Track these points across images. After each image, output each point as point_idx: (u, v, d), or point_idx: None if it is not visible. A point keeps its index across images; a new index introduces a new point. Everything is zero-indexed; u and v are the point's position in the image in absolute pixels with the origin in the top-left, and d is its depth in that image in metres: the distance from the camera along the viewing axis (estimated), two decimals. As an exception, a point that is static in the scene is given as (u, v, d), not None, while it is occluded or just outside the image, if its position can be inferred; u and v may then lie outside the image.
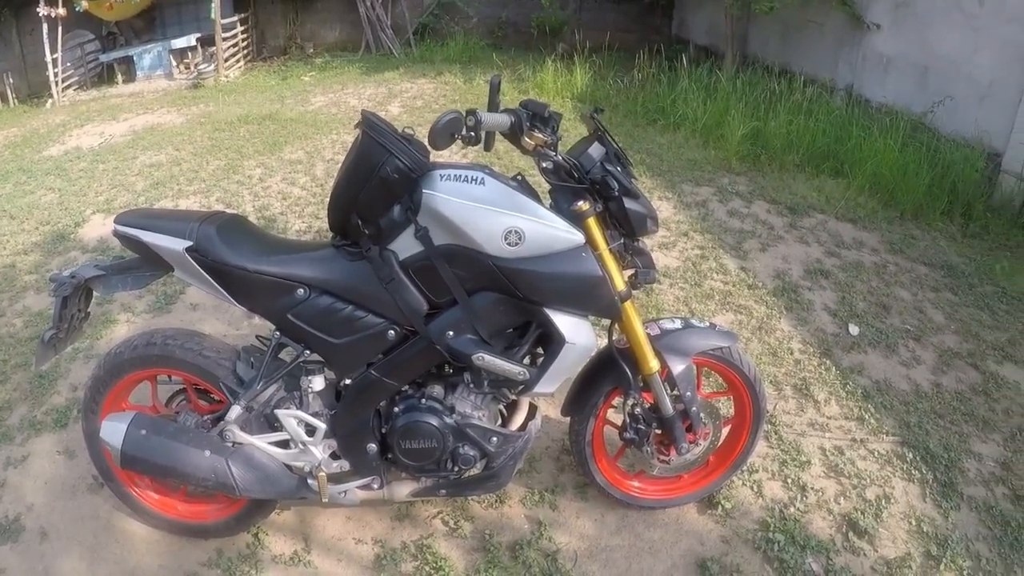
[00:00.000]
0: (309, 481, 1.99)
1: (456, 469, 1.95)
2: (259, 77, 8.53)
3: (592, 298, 1.83)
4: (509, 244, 1.74)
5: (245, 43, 9.17)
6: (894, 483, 2.49)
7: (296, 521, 2.27)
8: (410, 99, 7.15)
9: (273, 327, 1.90)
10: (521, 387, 1.90)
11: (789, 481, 2.44)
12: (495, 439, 1.94)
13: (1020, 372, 3.19)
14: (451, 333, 1.82)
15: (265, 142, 5.68)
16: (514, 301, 1.81)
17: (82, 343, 3.16)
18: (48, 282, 1.91)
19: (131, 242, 1.85)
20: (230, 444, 1.92)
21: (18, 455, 2.58)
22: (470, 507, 2.30)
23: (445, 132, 1.65)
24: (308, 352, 1.90)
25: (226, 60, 8.55)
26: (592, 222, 1.80)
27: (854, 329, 3.38)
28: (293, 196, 4.65)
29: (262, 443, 1.95)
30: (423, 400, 1.93)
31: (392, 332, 1.85)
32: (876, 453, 2.61)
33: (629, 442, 2.06)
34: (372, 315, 1.84)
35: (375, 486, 2.02)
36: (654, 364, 1.94)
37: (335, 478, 2.00)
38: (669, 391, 2.00)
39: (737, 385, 2.12)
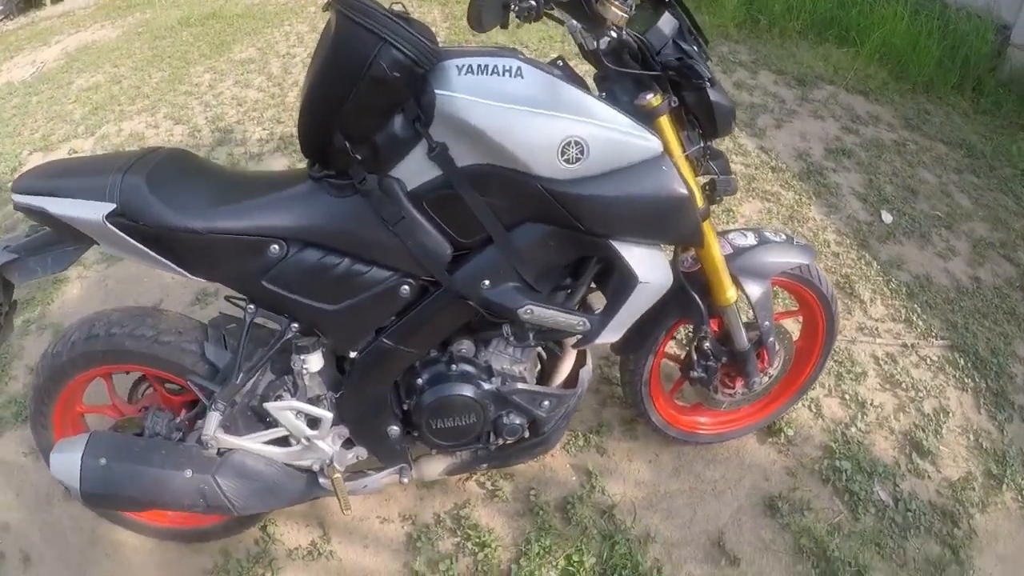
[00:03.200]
0: (321, 480, 1.66)
1: (500, 441, 1.65)
2: (194, -27, 7.61)
3: (673, 222, 1.43)
4: (566, 160, 1.30)
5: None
6: (948, 393, 2.35)
7: (307, 506, 1.94)
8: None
9: (245, 299, 1.49)
10: (579, 338, 1.54)
11: (847, 397, 2.26)
12: (546, 403, 1.61)
13: (1052, 264, 3.05)
14: (487, 282, 1.41)
15: (211, 44, 5.15)
16: (570, 234, 1.40)
17: (31, 312, 2.67)
18: None
19: (37, 214, 1.37)
20: (215, 453, 1.55)
21: (-25, 463, 2.10)
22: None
23: (494, 2, 1.25)
24: (295, 325, 1.47)
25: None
26: (664, 121, 1.39)
27: (887, 216, 3.16)
28: (249, 100, 4.19)
29: (254, 445, 1.57)
30: (453, 366, 1.56)
31: (406, 287, 1.43)
32: (928, 360, 2.46)
33: (696, 380, 1.80)
34: (376, 268, 1.42)
35: (404, 479, 1.70)
36: (732, 293, 1.63)
37: (353, 468, 1.69)
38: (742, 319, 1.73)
39: (812, 305, 1.86)
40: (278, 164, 3.47)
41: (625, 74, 1.37)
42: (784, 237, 1.75)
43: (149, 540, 1.90)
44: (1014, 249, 3.09)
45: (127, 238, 1.34)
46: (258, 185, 1.43)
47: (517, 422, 1.59)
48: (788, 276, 1.75)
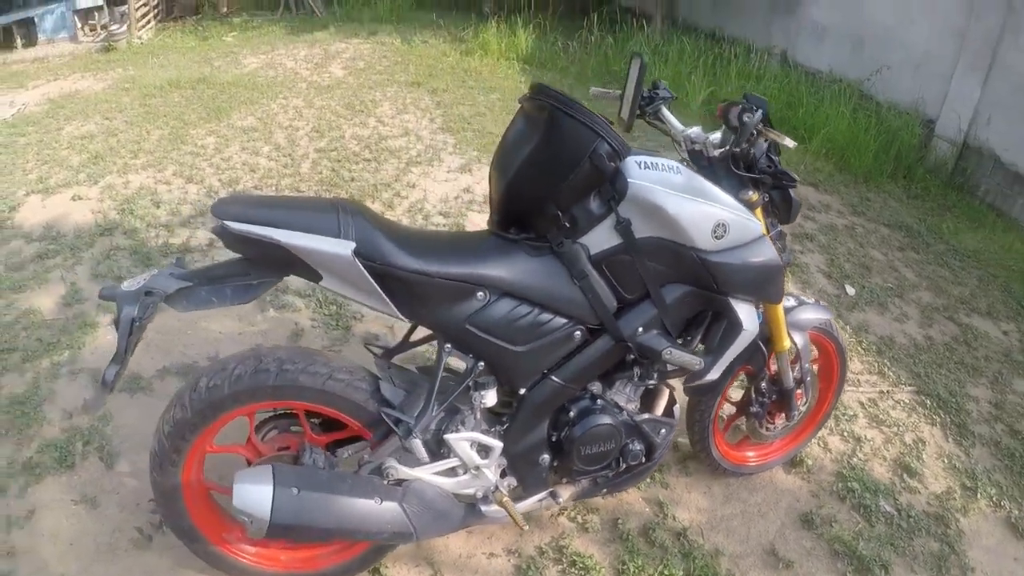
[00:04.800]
0: (483, 507, 1.82)
1: (623, 466, 1.93)
2: (175, 38, 8.00)
3: (772, 285, 1.87)
4: (716, 237, 1.69)
5: (156, 1, 8.56)
6: (922, 428, 2.90)
7: (414, 547, 2.07)
8: (349, 60, 6.97)
9: (443, 340, 1.67)
10: (691, 376, 1.93)
11: (845, 434, 2.79)
12: (663, 430, 1.95)
13: (986, 322, 3.72)
14: (640, 329, 1.74)
15: (207, 108, 5.35)
16: (701, 292, 1.78)
17: (59, 356, 2.66)
18: (101, 299, 1.50)
19: (251, 243, 1.45)
20: (393, 483, 1.68)
21: (20, 511, 2.07)
22: (590, 499, 2.27)
23: (749, 125, 1.70)
24: (481, 364, 1.69)
25: (138, 20, 7.99)
26: (759, 211, 1.84)
27: (850, 290, 3.79)
28: (261, 167, 4.39)
29: (429, 475, 1.71)
30: (597, 401, 1.84)
31: (578, 333, 1.72)
32: (901, 403, 3.02)
33: (753, 415, 2.29)
34: (558, 316, 1.68)
35: (558, 500, 1.93)
36: (788, 342, 2.13)
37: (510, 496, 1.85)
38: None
39: (830, 353, 2.40)
40: None
41: (736, 175, 1.81)
42: (813, 300, 2.29)
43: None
44: (955, 312, 3.75)
45: (367, 275, 1.50)
46: (454, 241, 1.72)
47: (639, 448, 1.91)
48: (818, 330, 2.29)
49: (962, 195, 5.07)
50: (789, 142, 1.76)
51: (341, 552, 1.86)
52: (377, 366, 1.79)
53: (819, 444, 2.72)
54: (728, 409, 2.46)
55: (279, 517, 1.49)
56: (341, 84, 6.18)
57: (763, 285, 1.86)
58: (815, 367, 2.43)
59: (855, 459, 2.68)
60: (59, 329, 2.82)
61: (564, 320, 1.70)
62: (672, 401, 2.04)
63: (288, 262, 1.49)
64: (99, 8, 8.11)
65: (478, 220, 3.94)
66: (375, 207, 3.94)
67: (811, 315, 2.23)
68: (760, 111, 1.74)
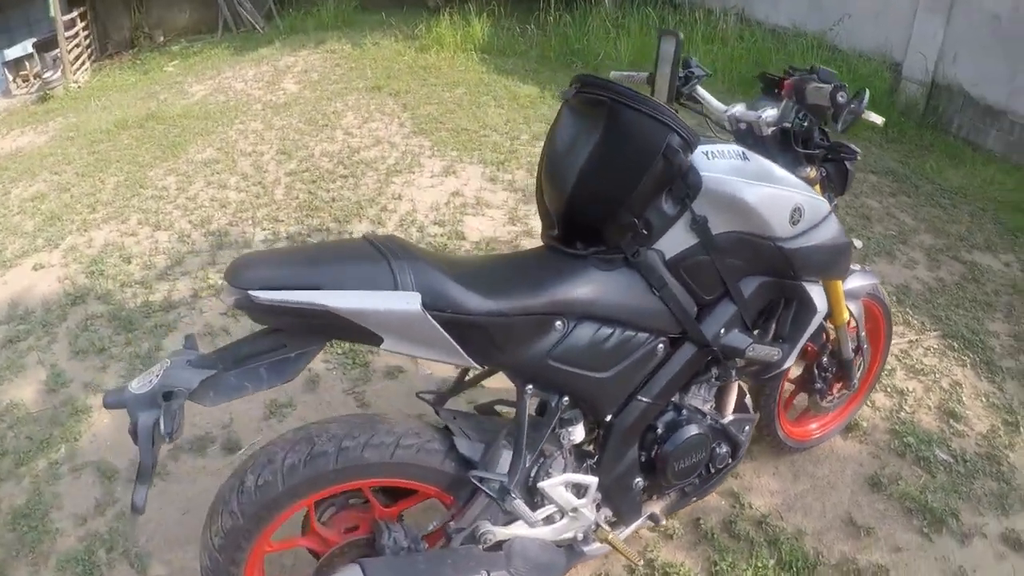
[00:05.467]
0: (584, 548, 1.71)
1: (712, 470, 1.85)
2: (114, 76, 7.74)
3: (840, 263, 1.80)
4: (792, 223, 1.61)
5: (87, 41, 8.23)
6: (955, 371, 2.96)
7: None
8: (302, 73, 6.82)
9: (523, 381, 1.50)
10: (768, 367, 1.84)
11: (888, 390, 2.83)
12: (747, 427, 1.88)
13: (986, 256, 3.81)
14: (723, 330, 1.63)
15: (160, 146, 5.09)
16: (775, 281, 1.69)
17: (55, 454, 2.42)
18: (107, 408, 1.23)
19: (287, 313, 1.20)
20: (491, 548, 1.53)
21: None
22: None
23: (856, 108, 1.61)
24: (566, 399, 1.54)
25: (72, 63, 7.70)
26: (818, 187, 1.76)
27: (858, 243, 3.77)
28: (232, 201, 4.16)
29: (526, 530, 1.56)
30: (681, 412, 1.74)
31: (661, 345, 1.60)
32: (931, 349, 3.08)
33: (817, 391, 2.29)
34: (640, 331, 1.55)
35: (659, 521, 1.84)
36: (846, 315, 2.11)
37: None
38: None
39: (878, 317, 2.41)
40: None
41: (794, 152, 1.69)
42: (860, 267, 2.27)
43: None
44: (957, 250, 3.83)
45: (440, 329, 1.29)
46: (520, 266, 1.53)
47: (725, 450, 1.83)
48: (869, 296, 2.30)
49: (937, 133, 5.17)
50: (878, 119, 1.72)
51: None
52: (442, 416, 1.61)
53: (867, 405, 2.75)
54: (787, 387, 2.46)
55: None
56: (298, 100, 6.03)
57: (835, 263, 1.80)
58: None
59: (903, 413, 2.72)
60: (48, 421, 2.55)
61: (646, 335, 1.57)
62: (743, 393, 1.96)
63: (335, 327, 1.26)
64: (29, 57, 7.80)
65: (475, 224, 3.87)
66: (362, 226, 3.86)
67: (862, 282, 2.22)
68: (867, 93, 1.67)
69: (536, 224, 3.82)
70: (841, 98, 1.61)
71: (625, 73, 1.98)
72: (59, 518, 2.19)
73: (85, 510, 2.22)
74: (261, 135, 5.21)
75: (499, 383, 1.76)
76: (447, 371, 2.71)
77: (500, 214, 3.99)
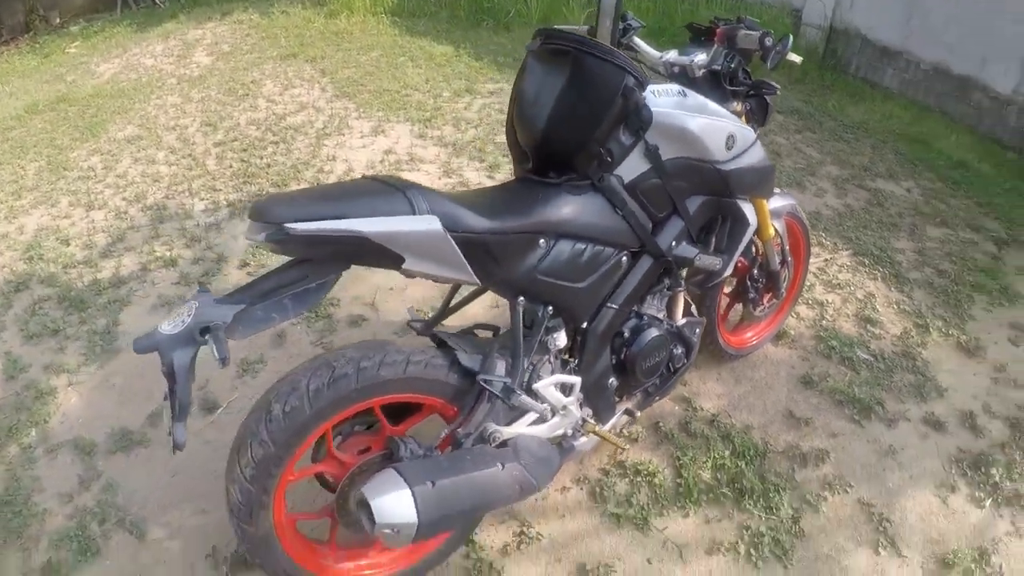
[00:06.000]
0: (574, 442, 1.93)
1: (672, 370, 2.09)
2: (13, 62, 7.28)
3: (767, 182, 2.10)
4: (728, 148, 1.88)
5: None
6: (867, 284, 3.26)
7: (488, 515, 2.09)
8: (212, 46, 6.62)
9: (514, 294, 1.68)
10: (711, 276, 2.13)
11: (810, 302, 3.10)
12: (697, 330, 2.12)
13: (889, 184, 4.16)
14: (674, 243, 1.89)
15: (77, 127, 4.93)
16: (716, 199, 1.96)
17: (25, 437, 2.39)
18: (138, 352, 1.29)
19: (317, 242, 1.32)
20: (500, 446, 1.69)
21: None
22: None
23: (782, 52, 1.87)
24: (550, 309, 1.74)
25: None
26: (743, 119, 2.03)
27: (797, 58, 4.12)
28: (164, 175, 4.11)
29: (526, 428, 1.76)
30: (642, 318, 1.97)
31: (624, 258, 1.83)
32: (844, 266, 3.37)
33: (751, 301, 2.54)
34: (607, 247, 1.77)
35: (634, 415, 2.07)
36: (772, 230, 2.36)
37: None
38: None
39: (798, 234, 2.66)
40: (239, 229, 3.50)
41: (722, 89, 1.95)
42: (780, 190, 2.50)
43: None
44: (862, 179, 4.16)
45: (454, 246, 1.45)
46: (506, 194, 1.70)
47: (681, 351, 2.08)
48: (789, 214, 2.53)
49: (837, 74, 5.52)
50: (797, 59, 2.01)
51: (433, 539, 1.82)
52: (451, 340, 1.71)
53: (793, 316, 3.01)
54: (724, 301, 2.68)
55: (426, 516, 1.44)
56: (212, 72, 5.89)
57: (763, 183, 2.09)
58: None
59: (825, 321, 2.99)
60: (13, 408, 2.51)
61: (612, 249, 1.79)
62: (688, 304, 2.22)
63: (355, 254, 1.40)
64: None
65: (412, 179, 3.92)
66: (302, 187, 3.87)
67: (783, 202, 2.47)
68: (790, 37, 1.93)
69: (470, 175, 3.96)
70: (768, 42, 1.89)
71: (568, 27, 2.15)
72: (42, 500, 2.17)
73: (69, 488, 2.21)
74: (181, 108, 5.09)
75: (475, 311, 1.86)
76: (403, 317, 2.84)
77: (434, 168, 4.07)
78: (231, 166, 4.16)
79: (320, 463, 1.63)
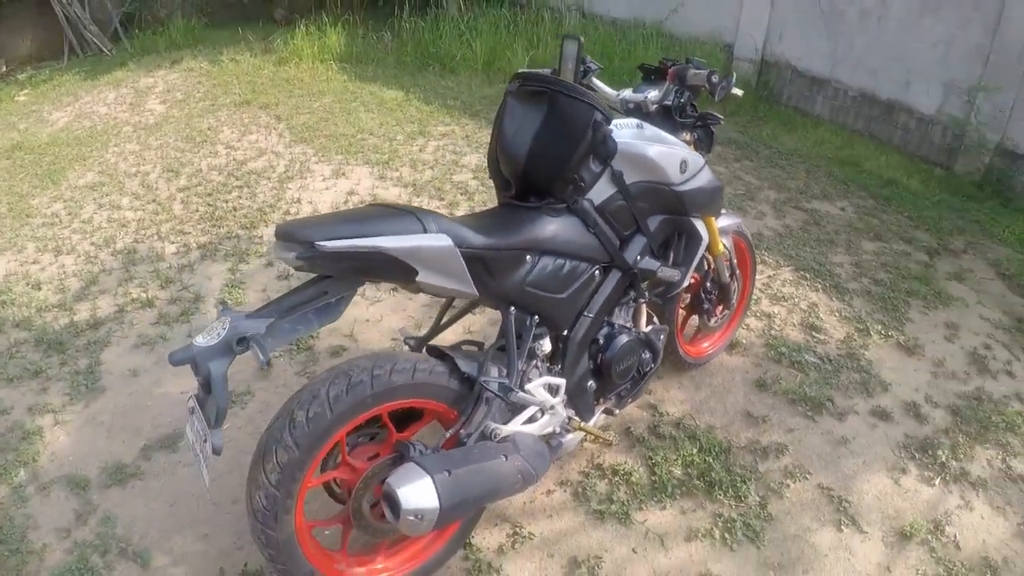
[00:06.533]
0: (562, 440, 2.11)
1: (641, 374, 2.29)
2: (-40, 112, 7.26)
3: (716, 202, 2.37)
4: (682, 172, 2.15)
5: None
6: (810, 295, 3.52)
7: (486, 514, 2.22)
8: (165, 93, 6.70)
9: (507, 306, 1.87)
10: (670, 287, 2.36)
11: (758, 314, 3.34)
12: (662, 336, 2.34)
13: (824, 204, 4.48)
14: (639, 257, 2.13)
15: (35, 175, 4.95)
16: (674, 217, 2.21)
17: (15, 476, 2.40)
18: (174, 364, 1.41)
19: (341, 259, 1.48)
20: (501, 441, 1.84)
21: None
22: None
23: (727, 87, 2.19)
24: (536, 318, 1.94)
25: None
26: (692, 146, 2.33)
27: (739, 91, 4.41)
28: (131, 220, 4.16)
29: (520, 425, 1.93)
30: (614, 327, 2.18)
31: (596, 271, 2.05)
32: (788, 281, 3.63)
33: (705, 312, 2.75)
34: (582, 261, 1.99)
35: (614, 412, 2.31)
36: (722, 246, 2.60)
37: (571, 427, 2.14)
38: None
39: (744, 250, 2.90)
40: (213, 270, 3.59)
41: (673, 122, 2.24)
42: (726, 210, 2.74)
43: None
44: (799, 201, 4.47)
45: (461, 260, 1.65)
46: (495, 217, 1.93)
47: (648, 356, 2.29)
48: (735, 232, 2.78)
49: (770, 105, 5.90)
50: (739, 92, 2.33)
51: (436, 540, 1.97)
52: (446, 349, 1.87)
53: (744, 327, 3.24)
54: (681, 314, 2.89)
55: (447, 502, 1.58)
56: (168, 119, 5.97)
57: (713, 202, 2.37)
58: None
59: (773, 331, 3.23)
60: (2, 444, 2.54)
61: (586, 263, 2.02)
62: (651, 315, 2.47)
63: (374, 269, 1.56)
64: None
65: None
66: (269, 230, 3.96)
67: (729, 221, 2.71)
68: (734, 75, 2.26)
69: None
70: (714, 78, 2.22)
71: (533, 70, 2.36)
72: (39, 536, 2.18)
73: (66, 523, 2.23)
74: (140, 155, 5.15)
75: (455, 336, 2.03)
76: (379, 345, 2.98)
77: (397, 207, 4.23)
78: (197, 210, 4.25)
79: (335, 470, 1.74)
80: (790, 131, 5.52)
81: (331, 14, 7.84)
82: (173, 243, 3.89)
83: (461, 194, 4.36)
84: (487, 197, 4.30)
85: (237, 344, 1.40)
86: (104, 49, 8.33)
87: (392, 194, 4.39)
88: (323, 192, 4.45)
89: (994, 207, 4.59)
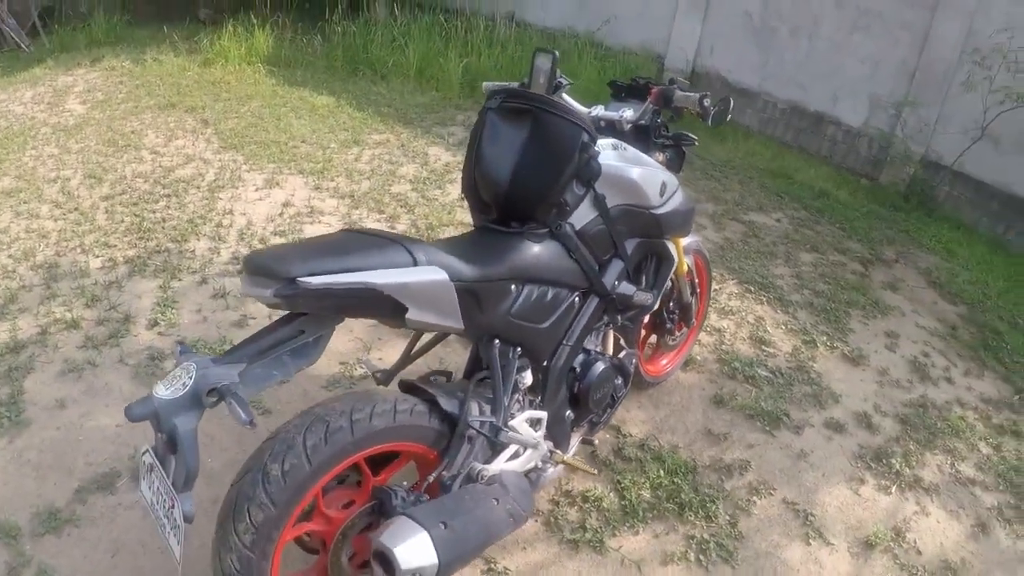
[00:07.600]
0: (545, 473, 2.02)
1: (614, 399, 2.24)
2: None
3: (690, 222, 2.34)
4: (661, 194, 2.09)
5: None
6: (756, 308, 3.59)
7: None
8: (85, 93, 6.29)
9: (490, 337, 1.77)
10: (643, 311, 2.32)
11: (709, 330, 3.37)
12: (634, 360, 2.30)
13: (760, 216, 4.59)
14: (616, 282, 2.05)
15: None
16: (649, 241, 2.15)
17: None
18: (132, 421, 1.24)
19: (323, 296, 1.32)
20: (489, 483, 1.73)
21: None
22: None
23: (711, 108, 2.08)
24: (519, 349, 1.83)
25: None
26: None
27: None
28: (51, 230, 3.86)
29: (505, 463, 1.82)
30: (589, 353, 2.10)
31: (576, 298, 1.96)
32: (734, 293, 3.69)
33: (668, 331, 2.75)
34: (563, 288, 1.90)
35: (593, 442, 2.29)
36: (685, 266, 2.61)
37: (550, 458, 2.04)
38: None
39: (702, 267, 2.92)
40: (142, 288, 3.37)
41: (646, 142, 2.16)
42: None
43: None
44: (736, 214, 4.56)
45: (455, 294, 1.54)
46: (476, 243, 1.80)
47: (620, 381, 2.23)
48: (695, 251, 2.79)
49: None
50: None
51: None
52: (423, 384, 1.75)
53: (696, 343, 3.26)
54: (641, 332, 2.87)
55: (445, 556, 1.46)
56: (89, 121, 5.62)
57: (687, 223, 2.34)
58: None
59: (724, 345, 3.27)
60: None
61: (566, 291, 1.93)
62: (616, 337, 2.39)
63: (360, 307, 1.43)
64: None
65: (315, 231, 3.92)
66: (202, 244, 3.76)
67: (690, 239, 2.72)
68: (731, 100, 2.16)
69: (374, 227, 4.03)
70: (706, 102, 2.11)
71: (498, 84, 2.25)
72: None
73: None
74: (60, 160, 4.81)
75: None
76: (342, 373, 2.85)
77: (335, 219, 4.08)
78: (123, 221, 3.99)
79: (309, 521, 1.57)
80: (721, 142, 5.63)
81: (258, 15, 7.55)
82: (98, 256, 3.63)
83: (401, 207, 4.25)
84: (427, 211, 4.21)
85: (207, 395, 1.23)
86: (22, 45, 7.79)
87: (329, 206, 4.25)
88: (257, 203, 4.26)
89: (919, 217, 4.81)
